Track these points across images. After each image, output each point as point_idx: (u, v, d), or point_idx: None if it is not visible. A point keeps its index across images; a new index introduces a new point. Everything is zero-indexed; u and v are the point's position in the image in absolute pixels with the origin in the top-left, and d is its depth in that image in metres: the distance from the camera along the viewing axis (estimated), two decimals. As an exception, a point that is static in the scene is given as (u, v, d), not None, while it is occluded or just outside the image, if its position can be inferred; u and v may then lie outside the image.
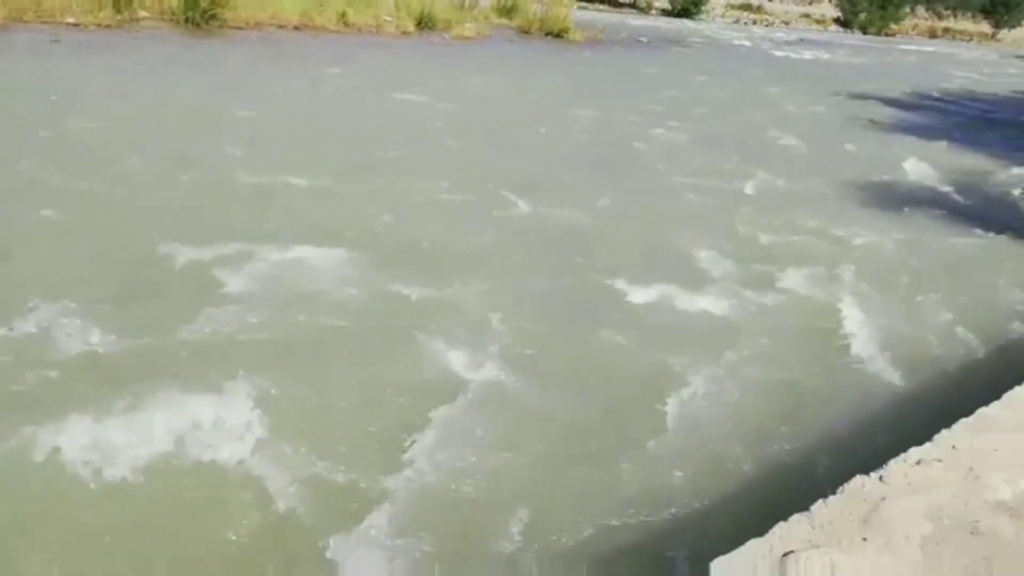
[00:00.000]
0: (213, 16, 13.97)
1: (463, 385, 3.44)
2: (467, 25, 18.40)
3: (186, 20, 13.74)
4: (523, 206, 6.16)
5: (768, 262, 5.43)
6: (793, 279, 5.16)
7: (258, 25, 14.87)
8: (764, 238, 6.04)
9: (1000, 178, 9.26)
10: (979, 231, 6.82)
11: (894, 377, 3.98)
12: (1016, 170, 9.57)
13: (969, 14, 76.29)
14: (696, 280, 4.97)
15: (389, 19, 17.25)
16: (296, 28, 15.46)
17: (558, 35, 20.13)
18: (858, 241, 6.20)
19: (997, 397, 2.93)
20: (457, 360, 3.65)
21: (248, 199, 5.65)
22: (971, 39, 63.87)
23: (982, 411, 2.81)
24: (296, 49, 13.61)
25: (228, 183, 5.93)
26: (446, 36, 17.44)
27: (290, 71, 11.31)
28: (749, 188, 7.55)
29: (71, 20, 12.49)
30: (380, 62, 13.45)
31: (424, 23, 17.59)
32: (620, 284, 4.74)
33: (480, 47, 17.05)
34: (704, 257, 5.39)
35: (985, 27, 70.54)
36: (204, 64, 11.38)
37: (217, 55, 12.24)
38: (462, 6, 20.25)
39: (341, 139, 7.89)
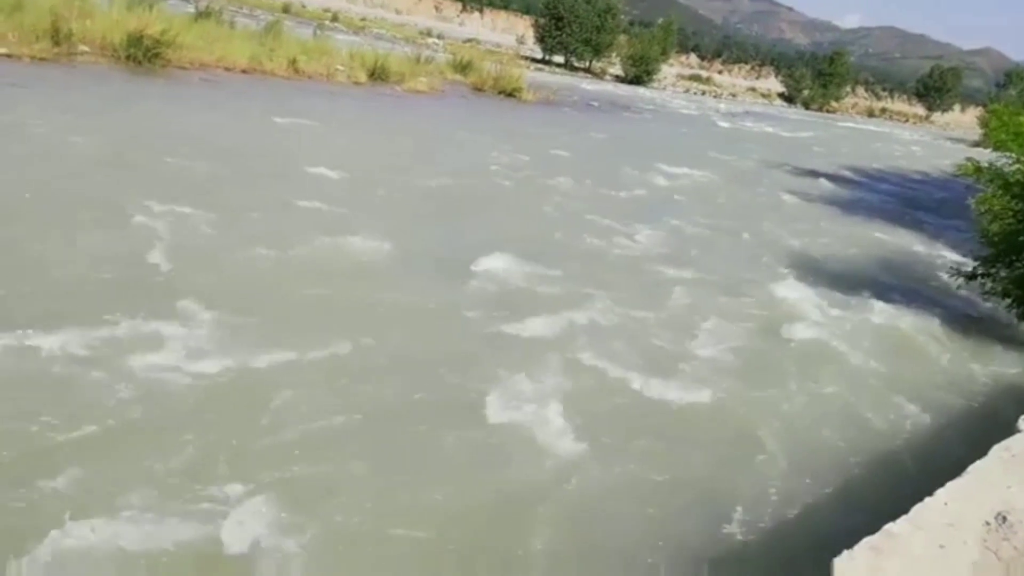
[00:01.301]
0: (157, 55, 13.67)
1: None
2: (421, 79, 18.47)
3: (128, 57, 13.40)
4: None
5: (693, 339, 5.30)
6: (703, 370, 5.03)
7: (204, 67, 14.61)
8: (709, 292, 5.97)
9: (932, 261, 9.47)
10: (907, 315, 6.81)
11: (801, 481, 3.72)
12: (945, 253, 9.81)
13: (905, 96, 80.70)
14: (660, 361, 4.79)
15: (341, 68, 17.19)
16: (244, 72, 15.26)
17: (511, 94, 20.38)
18: (774, 321, 6.10)
19: (905, 511, 2.75)
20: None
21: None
22: (907, 120, 67.33)
23: (888, 528, 2.62)
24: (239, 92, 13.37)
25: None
26: (398, 89, 17.44)
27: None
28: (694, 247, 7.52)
29: (3, 51, 12.03)
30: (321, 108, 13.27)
31: (377, 74, 17.58)
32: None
33: (430, 101, 17.08)
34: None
35: (919, 109, 74.46)
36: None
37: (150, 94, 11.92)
38: (417, 60, 20.39)
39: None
